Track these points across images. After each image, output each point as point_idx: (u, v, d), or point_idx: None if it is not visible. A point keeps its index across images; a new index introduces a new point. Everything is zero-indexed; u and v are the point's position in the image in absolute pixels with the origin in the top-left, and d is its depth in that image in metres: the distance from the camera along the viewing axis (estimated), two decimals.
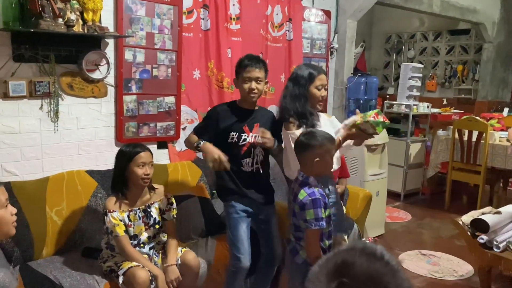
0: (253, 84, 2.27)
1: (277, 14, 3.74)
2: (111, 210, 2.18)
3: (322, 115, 2.39)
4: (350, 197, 3.25)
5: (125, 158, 2.21)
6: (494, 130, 4.70)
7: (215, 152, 2.19)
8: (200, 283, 2.40)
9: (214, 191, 3.15)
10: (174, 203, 2.39)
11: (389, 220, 4.40)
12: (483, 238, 2.66)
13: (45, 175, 2.59)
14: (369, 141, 3.93)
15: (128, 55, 2.88)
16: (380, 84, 7.39)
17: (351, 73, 4.41)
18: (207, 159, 2.22)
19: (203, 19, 3.26)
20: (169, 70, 3.08)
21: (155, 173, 2.60)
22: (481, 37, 6.47)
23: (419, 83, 5.23)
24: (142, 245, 2.27)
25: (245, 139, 2.30)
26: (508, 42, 6.48)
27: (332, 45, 4.32)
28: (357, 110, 2.25)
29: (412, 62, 6.57)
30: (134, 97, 2.94)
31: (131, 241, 2.23)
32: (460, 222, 2.83)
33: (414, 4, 5.09)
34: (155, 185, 2.36)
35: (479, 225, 2.70)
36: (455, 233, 3.80)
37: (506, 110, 5.73)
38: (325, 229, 1.91)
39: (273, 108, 3.83)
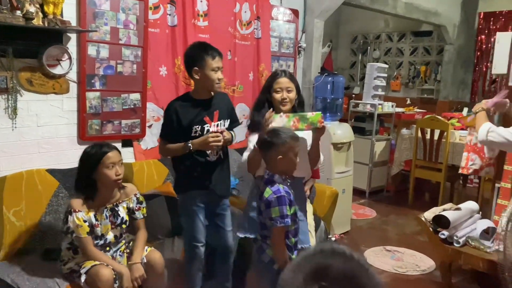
0: (220, 74, 2.28)
1: (245, 12, 3.73)
2: (76, 210, 2.09)
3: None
4: (317, 195, 3.28)
5: (92, 160, 2.12)
6: (454, 129, 4.87)
7: (203, 138, 2.21)
8: (165, 283, 2.36)
9: None
10: (144, 202, 2.34)
11: (354, 217, 4.48)
12: (444, 233, 2.75)
13: (2, 174, 2.47)
14: (335, 140, 4.00)
15: (91, 50, 2.80)
16: (347, 84, 7.53)
17: (318, 73, 4.46)
18: (208, 148, 2.25)
19: (169, 15, 3.20)
20: (135, 66, 3.01)
21: None
22: (443, 39, 6.69)
23: (384, 83, 5.34)
24: (108, 248, 2.21)
25: (208, 130, 2.29)
26: (467, 44, 6.72)
27: (300, 44, 4.34)
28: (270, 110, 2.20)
29: (377, 62, 6.71)
30: (98, 93, 2.86)
31: (98, 241, 2.16)
32: (423, 219, 2.91)
33: (379, 5, 5.20)
34: (124, 184, 2.29)
35: (441, 221, 2.79)
36: (418, 229, 3.91)
37: (465, 110, 5.95)
38: (290, 227, 1.92)
39: (242, 107, 3.85)
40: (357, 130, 4.97)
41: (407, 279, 3.24)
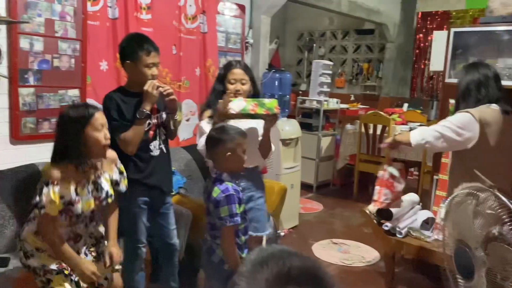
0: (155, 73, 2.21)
1: (190, 5, 3.64)
2: (55, 183, 1.79)
3: None
4: (266, 190, 3.27)
5: (77, 122, 1.81)
6: (396, 124, 5.07)
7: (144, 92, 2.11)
8: None
9: None
10: (124, 172, 2.07)
11: (302, 211, 4.54)
12: (387, 225, 2.84)
13: None
14: (284, 136, 4.02)
15: (23, 43, 2.60)
16: (294, 80, 7.61)
17: (266, 69, 4.46)
18: (153, 97, 2.13)
19: (110, 7, 3.06)
20: (73, 60, 2.85)
21: None
22: (384, 37, 6.94)
23: (329, 80, 5.46)
24: (82, 225, 1.95)
25: (149, 123, 2.21)
26: (407, 42, 7.02)
27: (247, 40, 4.32)
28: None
29: (322, 59, 6.84)
30: (32, 89, 2.67)
31: (75, 217, 1.88)
32: (367, 211, 2.99)
33: (324, 3, 5.29)
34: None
35: (384, 214, 2.88)
36: (363, 221, 4.03)
37: (406, 105, 6.22)
38: (240, 225, 1.89)
39: (189, 103, 3.77)
40: (304, 126, 5.04)
41: (353, 271, 3.33)
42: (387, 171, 2.54)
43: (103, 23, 3.02)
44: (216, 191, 1.84)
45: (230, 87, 2.25)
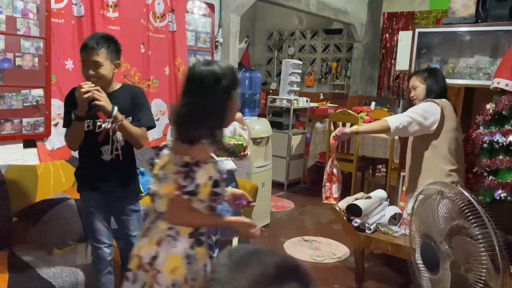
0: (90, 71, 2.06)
1: (158, 4, 3.59)
2: None
3: None
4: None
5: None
6: (363, 122, 5.16)
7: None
8: None
9: None
10: None
11: (274, 209, 4.57)
12: (357, 221, 2.90)
13: None
14: (254, 135, 4.04)
15: None
16: (264, 79, 7.65)
17: (236, 68, 4.46)
18: (82, 102, 1.97)
19: (75, 4, 2.98)
20: (36, 59, 2.76)
21: (22, 176, 2.31)
22: (352, 37, 7.07)
23: (298, 79, 5.51)
24: None
25: (100, 126, 2.11)
26: (373, 42, 7.17)
27: (216, 39, 4.30)
28: None
29: (292, 58, 6.90)
30: None
31: None
32: (337, 208, 3.04)
33: (293, 2, 5.33)
34: None
35: (353, 210, 2.94)
36: (333, 218, 4.09)
37: (373, 104, 6.35)
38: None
39: (159, 102, 3.72)
40: (275, 125, 5.07)
41: (324, 267, 3.37)
42: (335, 165, 2.64)
43: (68, 21, 2.94)
44: None
45: None
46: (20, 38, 2.67)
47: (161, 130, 3.73)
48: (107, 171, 2.15)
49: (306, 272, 0.72)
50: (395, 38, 6.92)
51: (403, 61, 4.05)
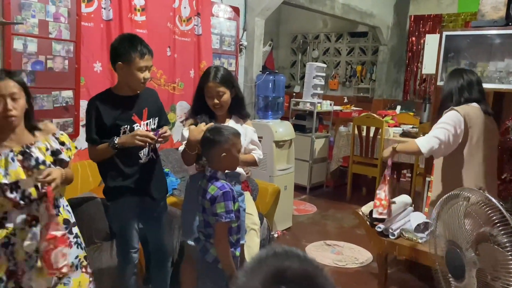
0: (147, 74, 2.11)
1: (184, 7, 3.65)
2: None
3: (231, 121, 2.30)
4: (260, 192, 3.30)
5: None
6: (388, 126, 5.10)
7: (131, 134, 2.04)
8: None
9: None
10: (69, 142, 1.88)
11: (296, 213, 4.56)
12: (380, 227, 2.86)
13: None
14: (277, 138, 4.04)
15: (17, 44, 2.60)
16: (287, 82, 7.65)
17: (260, 71, 4.48)
18: (132, 144, 2.03)
19: (104, 8, 3.06)
20: (66, 62, 2.85)
21: None
22: (377, 40, 6.99)
23: (322, 82, 5.48)
24: (26, 199, 1.71)
25: (133, 129, 2.13)
26: (399, 45, 7.08)
27: (241, 42, 4.34)
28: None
29: (316, 61, 6.88)
30: None
31: (13, 194, 1.67)
32: (360, 213, 3.01)
33: (318, 5, 5.32)
34: (40, 124, 1.84)
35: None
36: (356, 223, 4.05)
37: (398, 107, 6.27)
38: (234, 223, 1.91)
39: (183, 105, 3.77)
40: (298, 128, 5.06)
41: (346, 272, 3.34)
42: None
43: (97, 24, 3.03)
44: (213, 189, 1.86)
45: (209, 101, 2.21)
46: (52, 41, 2.76)
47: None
48: (147, 173, 2.20)
49: (324, 282, 0.71)
50: (421, 41, 6.81)
51: (429, 64, 3.98)
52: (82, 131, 3.00)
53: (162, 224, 2.36)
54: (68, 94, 2.88)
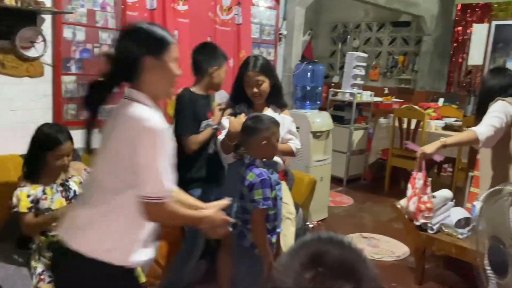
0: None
1: None
2: (22, 185, 2.07)
3: (269, 110, 2.37)
4: (296, 182, 3.30)
5: (43, 145, 2.08)
6: (430, 119, 4.96)
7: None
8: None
9: None
10: None
11: (332, 204, 4.54)
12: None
13: None
14: (314, 128, 4.02)
15: (67, 33, 2.72)
16: (326, 72, 7.54)
17: (299, 61, 4.45)
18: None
19: None
20: (112, 50, 2.94)
21: None
22: (421, 29, 6.77)
23: (363, 72, 5.38)
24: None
25: (208, 125, 2.42)
26: (444, 35, 6.83)
27: (280, 32, 4.32)
28: None
29: (356, 51, 6.75)
30: (74, 77, 2.79)
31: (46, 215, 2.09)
32: (398, 206, 2.97)
33: None
34: (72, 162, 2.25)
35: None
36: (393, 216, 3.98)
37: (441, 100, 6.07)
38: (271, 210, 1.94)
39: (222, 94, 3.81)
40: (336, 119, 5.00)
41: (382, 265, 3.31)
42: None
43: (142, 13, 3.10)
44: (252, 176, 1.90)
45: (247, 90, 2.29)
46: (99, 30, 2.86)
47: None
48: (213, 163, 2.44)
49: (364, 278, 0.70)
50: (468, 31, 6.53)
51: (476, 55, 3.85)
52: None
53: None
54: None
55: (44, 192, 2.10)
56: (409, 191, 2.67)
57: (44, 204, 2.09)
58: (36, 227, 2.07)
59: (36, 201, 2.07)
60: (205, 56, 2.43)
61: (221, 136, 2.27)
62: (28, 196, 2.05)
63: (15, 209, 2.03)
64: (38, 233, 2.08)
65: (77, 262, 1.35)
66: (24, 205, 2.03)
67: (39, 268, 2.04)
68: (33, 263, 2.08)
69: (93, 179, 1.46)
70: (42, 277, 2.03)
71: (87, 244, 1.35)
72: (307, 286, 0.67)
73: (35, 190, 2.08)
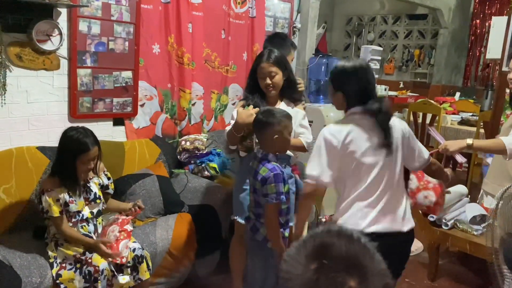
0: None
1: None
2: (49, 190, 2.11)
3: (282, 103, 2.35)
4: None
5: (71, 151, 2.12)
6: (446, 114, 4.89)
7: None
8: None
9: (173, 170, 3.10)
10: (111, 178, 2.42)
11: None
12: (433, 216, 2.79)
13: None
14: (328, 122, 3.99)
15: (82, 26, 2.74)
16: None
17: (313, 54, 4.42)
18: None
19: None
20: (127, 43, 2.96)
21: (111, 151, 2.51)
22: (438, 22, 6.66)
23: (378, 66, 5.31)
24: (85, 224, 2.22)
25: None
26: (462, 28, 6.70)
27: (294, 25, 4.29)
28: None
29: (371, 45, 6.67)
30: (89, 70, 2.81)
31: (76, 218, 2.18)
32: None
33: None
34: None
35: None
36: None
37: (458, 94, 5.98)
38: (283, 204, 1.94)
39: (235, 87, 3.82)
40: None
41: None
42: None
43: (156, 7, 3.11)
44: (264, 170, 1.90)
45: (261, 82, 2.26)
46: (113, 23, 2.88)
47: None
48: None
49: (368, 274, 0.69)
50: (486, 24, 6.40)
51: (494, 49, 3.76)
52: (141, 111, 3.13)
53: None
54: (127, 74, 3.00)
55: (70, 195, 2.15)
56: (414, 183, 2.50)
57: (73, 207, 2.16)
58: (73, 239, 2.15)
59: (65, 204, 2.13)
60: (274, 45, 2.50)
61: (228, 127, 2.26)
62: (57, 200, 2.11)
63: (48, 214, 2.10)
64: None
65: None
66: (55, 209, 2.09)
67: (59, 257, 2.11)
68: (50, 253, 2.13)
69: None
70: (64, 265, 2.09)
71: None
72: (311, 277, 0.68)
73: (62, 193, 2.13)
